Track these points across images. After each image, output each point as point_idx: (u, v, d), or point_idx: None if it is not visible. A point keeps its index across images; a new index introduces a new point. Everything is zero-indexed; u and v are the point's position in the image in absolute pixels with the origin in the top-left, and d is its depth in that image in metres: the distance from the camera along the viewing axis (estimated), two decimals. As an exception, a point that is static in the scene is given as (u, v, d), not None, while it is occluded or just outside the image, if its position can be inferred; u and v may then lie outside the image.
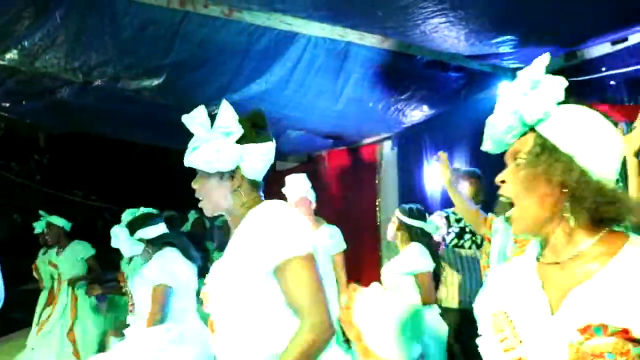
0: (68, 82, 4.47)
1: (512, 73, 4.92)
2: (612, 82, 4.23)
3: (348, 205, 6.30)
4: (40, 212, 5.40)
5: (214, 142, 1.67)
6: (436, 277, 3.97)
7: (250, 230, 1.66)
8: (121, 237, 3.23)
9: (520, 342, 1.10)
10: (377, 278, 5.06)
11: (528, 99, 1.15)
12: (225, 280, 1.70)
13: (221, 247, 4.55)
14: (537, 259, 1.19)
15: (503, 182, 1.21)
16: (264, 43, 4.01)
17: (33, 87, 4.54)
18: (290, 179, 4.18)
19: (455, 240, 4.58)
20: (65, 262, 5.35)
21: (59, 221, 5.32)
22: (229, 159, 1.68)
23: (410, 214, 3.72)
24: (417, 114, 5.18)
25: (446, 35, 3.57)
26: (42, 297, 5.50)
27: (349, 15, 3.63)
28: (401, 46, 4.31)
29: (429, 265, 3.55)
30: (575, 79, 4.63)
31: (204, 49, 3.99)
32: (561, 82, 1.15)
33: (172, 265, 3.11)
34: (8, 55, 4.01)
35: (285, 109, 4.68)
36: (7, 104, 4.79)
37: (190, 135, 5.47)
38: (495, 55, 4.25)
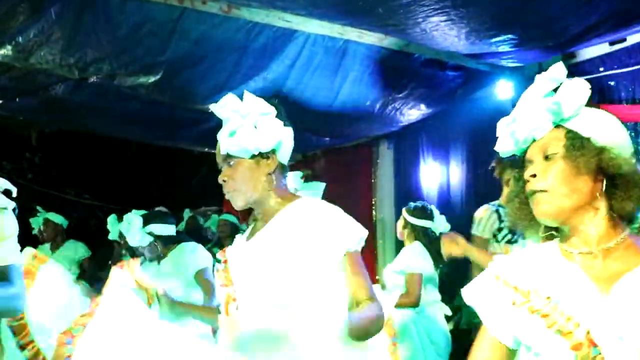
0: (63, 78, 4.43)
1: (510, 72, 4.92)
2: (610, 83, 4.23)
3: (343, 204, 6.23)
4: (38, 207, 5.33)
5: (251, 122, 1.65)
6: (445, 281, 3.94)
7: (302, 225, 1.64)
8: (135, 224, 3.18)
9: (577, 325, 1.14)
10: (373, 277, 5.07)
11: (560, 98, 1.22)
12: (276, 275, 1.64)
13: (220, 245, 4.51)
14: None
15: (533, 176, 1.23)
16: (262, 40, 3.98)
17: (27, 83, 4.49)
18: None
19: (510, 236, 4.37)
20: (58, 259, 5.30)
21: (56, 218, 5.26)
22: (271, 136, 1.66)
23: (415, 213, 3.75)
24: (414, 112, 5.16)
25: (447, 33, 3.55)
26: None
27: (349, 13, 3.60)
28: (400, 44, 4.29)
29: (422, 267, 3.56)
30: (573, 78, 4.64)
31: (201, 46, 3.96)
32: (586, 84, 1.25)
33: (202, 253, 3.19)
34: (2, 51, 3.95)
35: (283, 106, 4.64)
36: (0, 101, 4.73)
37: (189, 132, 5.39)
38: (494, 54, 4.24)
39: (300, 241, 1.63)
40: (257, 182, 1.71)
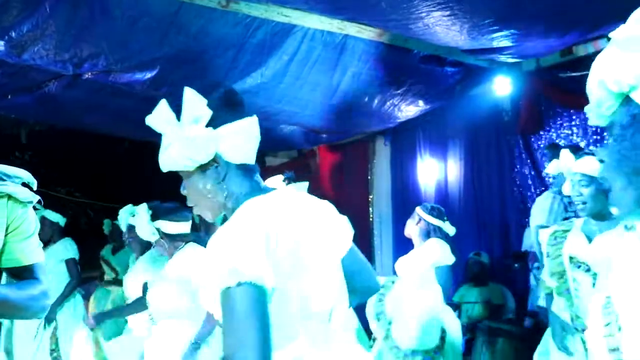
0: (57, 75, 4.35)
1: (508, 68, 4.91)
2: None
3: (339, 201, 6.20)
4: (36, 205, 5.22)
5: (183, 134, 1.48)
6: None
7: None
8: (143, 217, 3.06)
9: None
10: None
11: (619, 64, 1.00)
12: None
13: None
14: None
15: (602, 161, 1.11)
16: (261, 35, 3.93)
17: (20, 80, 4.40)
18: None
19: None
20: (48, 257, 5.25)
21: (53, 216, 5.16)
22: (202, 147, 1.47)
23: (431, 212, 3.80)
24: (412, 109, 5.13)
25: (449, 28, 3.52)
26: None
27: (350, 7, 3.57)
28: (399, 40, 4.25)
29: (450, 259, 3.64)
30: (571, 74, 4.63)
31: (199, 41, 3.90)
32: None
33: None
34: (-6, 47, 3.89)
35: (280, 103, 4.60)
36: (-8, 98, 4.64)
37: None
38: (493, 49, 4.21)
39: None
40: (209, 196, 1.55)
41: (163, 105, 1.53)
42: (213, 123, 1.49)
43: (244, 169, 1.57)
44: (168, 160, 1.51)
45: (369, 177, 6.19)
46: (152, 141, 5.93)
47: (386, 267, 5.98)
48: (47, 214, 5.12)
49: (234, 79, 4.23)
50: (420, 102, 5.07)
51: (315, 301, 1.47)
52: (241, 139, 1.53)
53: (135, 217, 3.13)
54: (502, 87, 5.01)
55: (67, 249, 5.26)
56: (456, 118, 5.44)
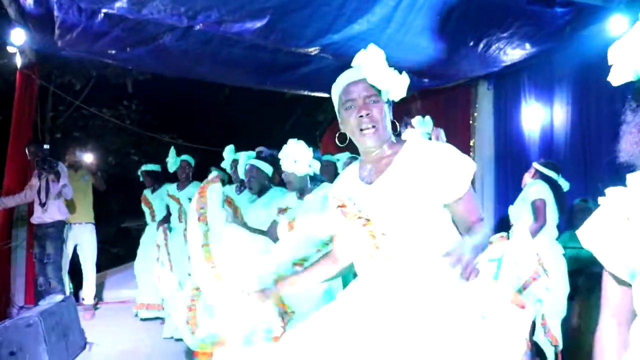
0: (171, 28, 4.57)
1: (625, 5, 4.62)
2: None
3: (441, 145, 6.21)
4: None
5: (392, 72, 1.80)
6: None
7: (426, 166, 1.80)
8: (306, 153, 3.30)
9: None
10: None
11: None
12: (399, 203, 1.81)
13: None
14: None
15: None
16: (367, -18, 3.94)
17: (137, 34, 4.66)
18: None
19: None
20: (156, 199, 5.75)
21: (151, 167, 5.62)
22: (402, 87, 1.81)
23: (547, 166, 4.29)
24: (518, 52, 4.99)
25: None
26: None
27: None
28: (507, -20, 4.13)
29: (545, 195, 4.12)
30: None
31: (307, -11, 3.97)
32: None
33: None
34: (117, 4, 4.13)
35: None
36: (113, 52, 4.94)
37: (290, 76, 5.42)
38: (611, -16, 4.00)
39: (427, 180, 1.78)
40: (388, 123, 1.86)
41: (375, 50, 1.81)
42: None
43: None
44: (383, 80, 1.80)
45: (471, 122, 6.11)
46: (253, 88, 6.11)
47: (488, 211, 5.97)
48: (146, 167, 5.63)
49: (341, 26, 4.29)
50: (527, 45, 4.91)
51: None
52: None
53: (291, 153, 3.30)
54: (617, 27, 4.73)
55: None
56: (565, 61, 5.22)
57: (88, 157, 6.34)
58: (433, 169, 1.78)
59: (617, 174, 3.86)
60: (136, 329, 5.51)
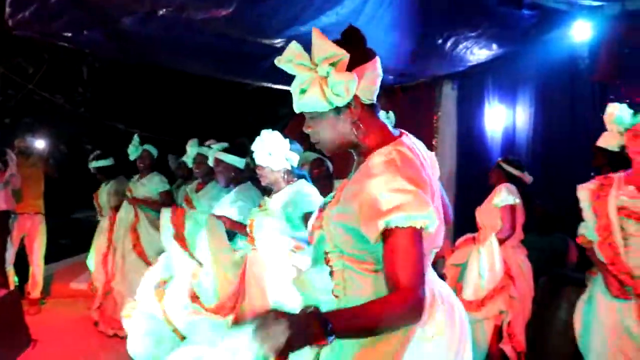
0: (132, 11, 4.37)
1: (589, 11, 4.68)
2: None
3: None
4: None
5: (321, 77, 1.49)
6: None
7: (361, 184, 1.49)
8: (283, 145, 3.07)
9: None
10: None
11: None
12: (338, 220, 1.56)
13: None
14: None
15: None
16: (338, -28, 3.85)
17: (96, 16, 4.45)
18: None
19: None
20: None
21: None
22: (344, 90, 1.48)
23: (512, 163, 4.31)
24: (484, 52, 5.00)
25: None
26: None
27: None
28: (477, -20, 4.11)
29: (514, 200, 4.08)
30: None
31: (275, -22, 3.85)
32: None
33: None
34: (75, -18, 3.92)
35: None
36: (69, 34, 4.70)
37: (255, 67, 5.30)
38: (578, -9, 4.03)
39: (352, 202, 1.50)
40: (341, 133, 1.59)
41: (294, 47, 1.52)
42: (350, 65, 1.49)
43: (371, 107, 1.60)
44: (303, 102, 1.53)
45: (435, 122, 6.09)
46: (217, 79, 5.96)
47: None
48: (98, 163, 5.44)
49: (309, 17, 4.18)
50: (494, 46, 4.92)
51: (438, 239, 1.58)
52: (374, 79, 1.57)
53: (264, 146, 3.07)
54: (580, 32, 4.78)
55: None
56: (528, 64, 5.26)
57: (39, 144, 6.08)
58: (362, 188, 1.47)
59: (577, 176, 3.88)
60: (85, 325, 5.30)
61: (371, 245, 1.44)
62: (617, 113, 2.86)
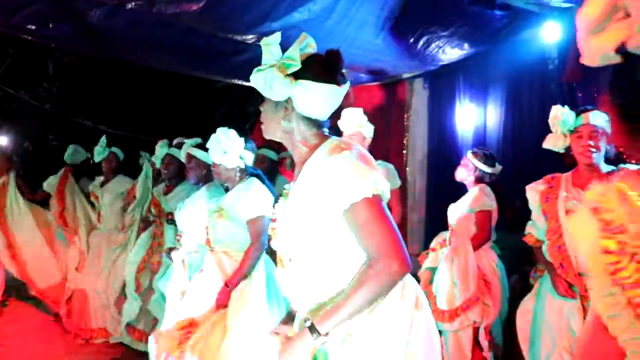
0: (100, 4, 4.27)
1: (559, 13, 4.74)
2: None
3: (373, 143, 6.19)
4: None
5: (271, 69, 1.68)
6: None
7: (317, 172, 1.66)
8: (238, 143, 3.09)
9: None
10: (403, 214, 5.00)
11: None
12: (296, 219, 1.70)
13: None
14: None
15: None
16: (311, -31, 3.82)
17: (62, 9, 4.32)
18: (345, 113, 4.10)
19: None
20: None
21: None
22: (278, 90, 1.69)
23: (483, 159, 4.10)
24: (456, 52, 5.01)
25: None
26: None
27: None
28: (451, -22, 4.12)
29: (492, 205, 3.89)
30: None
31: (248, -28, 3.80)
32: None
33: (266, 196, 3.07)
34: (40, -27, 3.81)
35: (325, 41, 4.48)
36: (33, 27, 4.56)
37: (224, 63, 5.24)
38: (549, -8, 4.07)
39: (311, 194, 1.66)
40: (272, 124, 1.81)
41: (277, 36, 1.74)
42: (297, 74, 1.69)
43: (310, 121, 1.78)
44: (253, 78, 1.74)
45: (406, 120, 6.10)
46: (184, 76, 5.87)
47: (419, 211, 6.00)
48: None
49: (282, 13, 4.13)
50: (466, 45, 4.94)
51: None
52: (316, 100, 1.71)
53: (220, 144, 3.08)
54: (550, 34, 4.85)
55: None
56: (499, 64, 5.30)
57: (2, 140, 5.91)
58: (318, 179, 1.64)
59: (546, 174, 3.90)
60: (49, 327, 5.16)
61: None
62: (561, 116, 2.92)
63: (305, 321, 1.60)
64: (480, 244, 3.91)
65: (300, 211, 1.67)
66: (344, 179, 1.56)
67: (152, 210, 4.55)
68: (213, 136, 3.13)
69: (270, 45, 1.72)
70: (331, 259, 1.65)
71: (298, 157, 1.80)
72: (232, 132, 3.11)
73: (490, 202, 3.91)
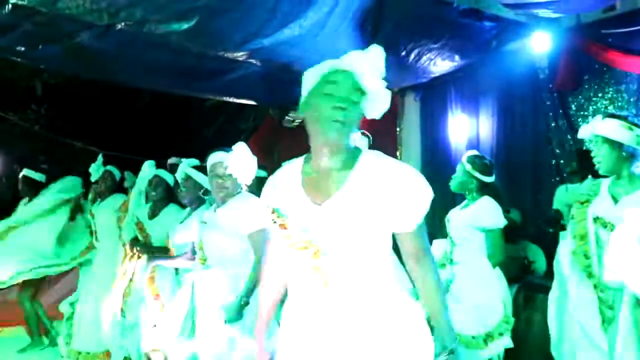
0: (89, 25, 4.24)
1: (546, 23, 4.79)
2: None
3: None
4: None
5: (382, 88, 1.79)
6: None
7: (383, 185, 1.71)
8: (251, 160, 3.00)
9: None
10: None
11: None
12: (353, 219, 1.71)
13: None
14: None
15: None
16: (301, -15, 3.82)
17: (52, 30, 4.28)
18: None
19: None
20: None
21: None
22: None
23: (480, 169, 3.64)
24: (447, 64, 5.04)
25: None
26: None
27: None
28: (440, -8, 4.14)
29: (502, 222, 3.46)
30: (613, 30, 4.52)
31: (237, -9, 3.79)
32: None
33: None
34: (28, -6, 3.78)
35: (316, 55, 4.48)
36: (22, 49, 4.52)
37: (214, 82, 5.16)
38: (535, 3, 4.09)
39: (383, 206, 1.70)
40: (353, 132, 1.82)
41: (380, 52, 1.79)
42: None
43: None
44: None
45: (398, 132, 6.11)
46: (174, 95, 5.81)
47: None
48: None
49: (272, 29, 4.13)
50: (457, 57, 4.97)
51: None
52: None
53: (246, 160, 2.99)
54: (539, 44, 4.89)
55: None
56: (490, 74, 5.34)
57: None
58: (390, 195, 1.70)
59: (539, 184, 3.91)
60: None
61: None
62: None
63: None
64: (498, 264, 3.53)
65: (360, 212, 1.70)
66: (419, 200, 1.73)
67: (139, 235, 4.39)
68: (239, 149, 2.99)
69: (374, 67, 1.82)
70: (370, 251, 1.73)
71: (335, 161, 1.77)
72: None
73: (499, 217, 3.47)
